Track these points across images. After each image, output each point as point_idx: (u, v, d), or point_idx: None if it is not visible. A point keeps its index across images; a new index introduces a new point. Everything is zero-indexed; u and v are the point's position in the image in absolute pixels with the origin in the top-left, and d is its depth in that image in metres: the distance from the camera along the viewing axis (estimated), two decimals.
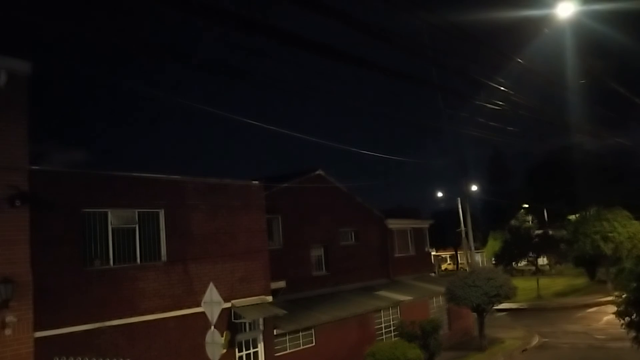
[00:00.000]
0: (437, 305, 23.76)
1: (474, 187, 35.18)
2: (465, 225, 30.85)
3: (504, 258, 44.17)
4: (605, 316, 25.01)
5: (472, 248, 30.52)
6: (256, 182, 16.46)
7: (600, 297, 32.37)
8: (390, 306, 20.92)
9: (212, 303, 11.87)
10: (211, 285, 12.08)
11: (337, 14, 5.24)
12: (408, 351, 16.74)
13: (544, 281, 42.05)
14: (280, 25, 5.27)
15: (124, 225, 12.74)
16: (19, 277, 10.21)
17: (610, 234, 33.76)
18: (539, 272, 43.41)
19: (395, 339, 19.15)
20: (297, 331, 16.67)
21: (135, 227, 12.94)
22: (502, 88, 9.71)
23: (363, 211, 24.09)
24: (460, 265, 62.72)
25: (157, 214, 13.46)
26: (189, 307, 13.38)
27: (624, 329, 13.58)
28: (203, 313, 12.15)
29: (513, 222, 46.65)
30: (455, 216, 33.58)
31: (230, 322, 14.37)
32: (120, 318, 12.09)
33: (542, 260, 52.26)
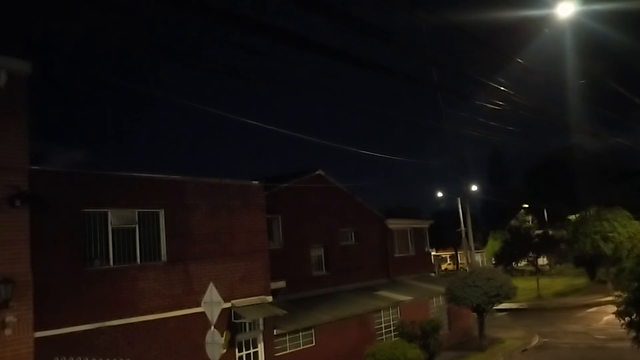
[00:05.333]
0: (437, 305, 23.76)
1: (474, 187, 35.19)
2: (465, 225, 30.86)
3: (504, 258, 44.22)
4: (605, 316, 25.01)
5: (472, 248, 30.53)
6: (256, 182, 16.46)
7: (600, 297, 32.37)
8: (390, 306, 20.91)
9: (212, 303, 11.87)
10: (211, 285, 12.08)
11: (336, 13, 5.24)
12: (408, 351, 16.74)
13: (544, 281, 42.04)
14: (280, 24, 5.27)
15: (124, 225, 12.74)
16: (19, 277, 10.21)
17: (610, 234, 33.76)
18: (539, 272, 43.43)
19: (395, 339, 19.14)
20: (297, 331, 16.67)
21: (135, 227, 12.94)
22: (502, 88, 9.71)
23: (363, 211, 24.09)
24: (460, 265, 62.75)
25: (157, 214, 13.46)
26: (189, 307, 13.38)
27: (624, 329, 13.57)
28: (203, 313, 12.15)
29: (513, 222, 46.68)
30: (455, 216, 33.59)
31: (230, 322, 14.37)
32: (120, 318, 12.09)
33: (542, 260, 52.30)
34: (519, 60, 9.25)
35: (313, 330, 17.22)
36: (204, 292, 12.21)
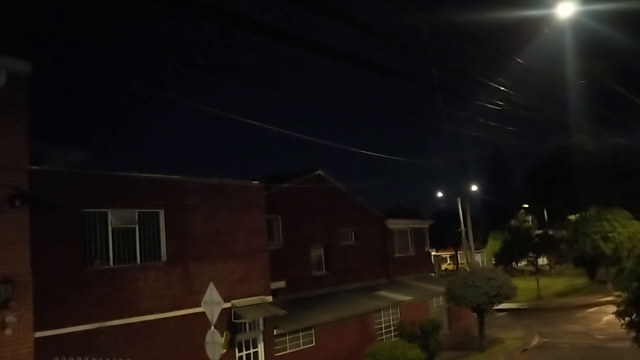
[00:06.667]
0: (437, 305, 23.76)
1: (474, 187, 35.19)
2: (465, 225, 30.84)
3: (504, 258, 44.17)
4: (605, 316, 25.01)
5: (472, 248, 30.51)
6: (256, 182, 16.46)
7: (600, 297, 32.36)
8: (390, 306, 20.91)
9: (212, 303, 11.88)
10: (211, 285, 12.09)
11: (336, 13, 5.24)
12: (408, 351, 16.74)
13: (544, 281, 42.03)
14: (280, 24, 5.27)
15: (124, 225, 12.74)
16: (19, 277, 10.21)
17: (610, 234, 33.74)
18: (539, 272, 43.42)
19: (395, 339, 19.14)
20: (297, 331, 16.67)
21: (135, 227, 12.94)
22: (502, 88, 9.71)
23: (363, 211, 24.09)
24: (460, 265, 62.74)
25: (157, 214, 13.46)
26: (189, 307, 13.38)
27: (624, 329, 13.57)
28: (203, 313, 12.15)
29: (513, 222, 46.67)
30: (455, 216, 33.58)
31: (230, 322, 14.37)
32: (120, 318, 12.09)
33: (542, 260, 52.27)
34: (519, 60, 9.25)
35: (313, 330, 17.22)
36: (204, 292, 12.21)
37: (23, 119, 10.78)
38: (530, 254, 43.22)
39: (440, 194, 42.25)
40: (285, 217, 19.85)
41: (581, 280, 43.35)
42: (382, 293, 22.12)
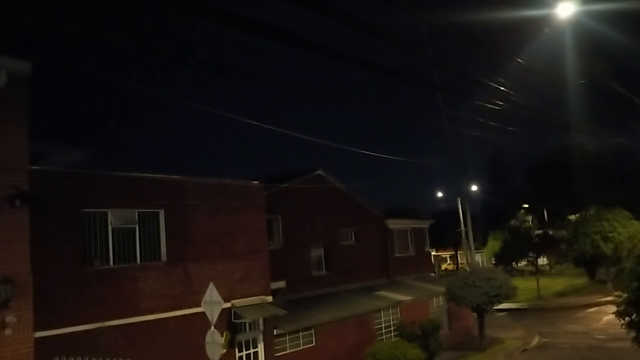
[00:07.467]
0: (437, 305, 23.76)
1: (474, 187, 35.18)
2: (465, 225, 30.83)
3: (504, 258, 44.17)
4: (605, 316, 25.02)
5: (472, 248, 30.49)
6: (256, 182, 16.46)
7: (600, 297, 32.38)
8: (390, 306, 20.91)
9: (212, 303, 11.88)
10: (211, 285, 12.09)
11: (337, 13, 5.24)
12: (408, 351, 16.74)
13: (544, 281, 42.04)
14: (281, 24, 5.27)
15: (124, 225, 12.75)
16: (19, 277, 10.21)
17: (610, 234, 33.76)
18: (539, 272, 43.43)
19: (395, 339, 19.14)
20: (297, 331, 16.67)
21: (135, 227, 12.94)
22: (502, 88, 9.71)
23: (363, 211, 24.09)
24: (460, 265, 62.74)
25: (157, 214, 13.46)
26: (189, 307, 13.38)
27: (624, 329, 13.57)
28: (203, 313, 12.15)
29: (513, 222, 46.64)
30: (455, 216, 33.57)
31: (230, 322, 14.37)
32: (120, 318, 12.09)
33: (542, 260, 52.27)
34: (519, 60, 9.25)
35: (313, 330, 17.22)
36: (204, 292, 12.21)
37: (23, 119, 10.78)
38: (530, 254, 43.22)
39: (440, 194, 42.27)
40: (285, 217, 19.85)
41: (581, 280, 43.36)
42: (382, 293, 22.12)
